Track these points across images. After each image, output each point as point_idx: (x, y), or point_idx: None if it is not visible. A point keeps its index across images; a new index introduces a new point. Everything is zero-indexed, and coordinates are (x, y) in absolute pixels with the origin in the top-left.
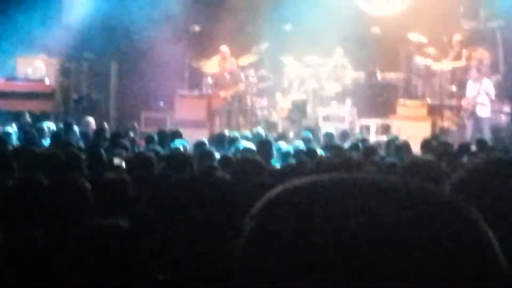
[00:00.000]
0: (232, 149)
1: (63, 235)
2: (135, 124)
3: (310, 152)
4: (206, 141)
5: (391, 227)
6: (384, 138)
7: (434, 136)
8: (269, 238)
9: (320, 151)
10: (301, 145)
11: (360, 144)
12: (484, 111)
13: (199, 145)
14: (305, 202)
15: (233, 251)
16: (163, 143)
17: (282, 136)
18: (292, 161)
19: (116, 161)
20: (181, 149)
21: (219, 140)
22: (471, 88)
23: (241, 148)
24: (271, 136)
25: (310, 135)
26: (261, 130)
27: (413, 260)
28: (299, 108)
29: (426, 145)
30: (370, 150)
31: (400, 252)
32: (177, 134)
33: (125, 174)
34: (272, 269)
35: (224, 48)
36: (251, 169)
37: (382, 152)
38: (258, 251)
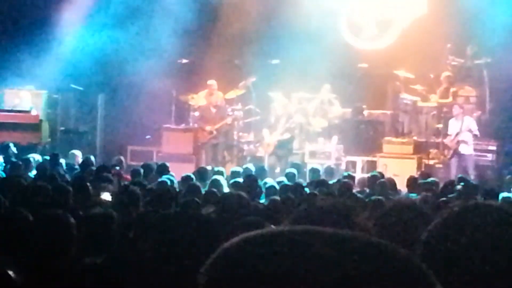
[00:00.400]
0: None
1: (44, 271)
2: (122, 158)
3: (297, 188)
4: (192, 175)
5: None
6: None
7: (423, 175)
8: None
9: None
10: (286, 181)
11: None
12: (467, 149)
13: (186, 179)
14: (252, 256)
15: None
16: (149, 177)
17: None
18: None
19: (104, 196)
20: (168, 183)
21: (201, 174)
22: (453, 126)
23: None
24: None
25: (295, 171)
26: (250, 166)
27: None
28: (285, 146)
29: (411, 183)
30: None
31: None
32: (163, 168)
33: (111, 210)
34: None
35: (212, 82)
36: (236, 204)
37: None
38: None
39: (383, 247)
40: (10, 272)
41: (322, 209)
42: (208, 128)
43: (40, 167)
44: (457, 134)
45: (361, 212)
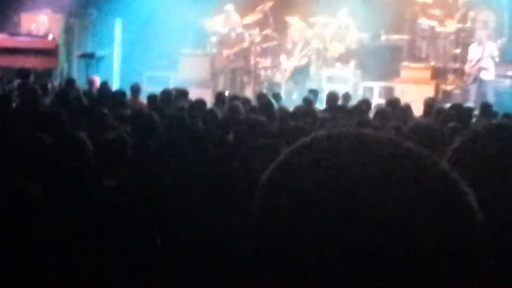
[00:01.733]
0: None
1: (63, 194)
2: (139, 83)
3: (311, 113)
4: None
5: (397, 188)
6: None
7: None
8: (280, 204)
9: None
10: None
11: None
12: (488, 75)
13: (199, 104)
14: (315, 160)
15: (234, 215)
16: (167, 103)
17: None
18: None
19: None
20: (186, 108)
21: (219, 99)
22: (475, 51)
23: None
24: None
25: (312, 97)
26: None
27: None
28: (302, 72)
29: (429, 105)
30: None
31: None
32: (182, 93)
33: (125, 134)
34: (286, 236)
35: (229, 7)
36: (254, 128)
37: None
38: (270, 217)
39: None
40: (33, 190)
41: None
42: (226, 52)
43: (57, 92)
44: (478, 60)
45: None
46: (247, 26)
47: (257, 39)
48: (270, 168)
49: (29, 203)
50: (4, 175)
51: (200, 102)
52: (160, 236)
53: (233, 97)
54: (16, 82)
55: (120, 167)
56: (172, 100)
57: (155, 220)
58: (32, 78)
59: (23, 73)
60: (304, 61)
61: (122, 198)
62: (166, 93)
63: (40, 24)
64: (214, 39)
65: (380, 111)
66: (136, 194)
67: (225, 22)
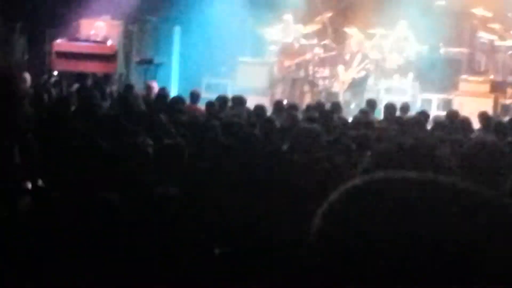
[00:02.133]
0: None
1: (125, 198)
2: (197, 90)
3: (369, 125)
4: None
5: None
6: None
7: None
8: (334, 239)
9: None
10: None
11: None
12: None
13: (259, 110)
14: (369, 203)
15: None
16: (224, 109)
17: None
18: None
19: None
20: (244, 115)
21: (278, 108)
22: None
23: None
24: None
25: (369, 109)
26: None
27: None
28: (360, 85)
29: (485, 120)
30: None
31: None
32: (240, 101)
33: (182, 141)
34: (337, 268)
35: (287, 16)
36: (310, 139)
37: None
38: (324, 250)
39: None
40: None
41: (402, 147)
42: (288, 62)
43: (115, 97)
44: None
45: (443, 150)
46: (306, 36)
47: (317, 49)
48: (331, 199)
49: (115, 212)
50: (65, 179)
51: (260, 109)
52: (219, 245)
53: (292, 106)
54: (75, 87)
55: (177, 173)
56: (229, 107)
57: (212, 227)
58: (90, 83)
59: (82, 77)
60: (362, 73)
61: (181, 206)
62: (223, 100)
63: (99, 29)
64: (272, 48)
65: (439, 124)
66: (193, 201)
67: (284, 31)
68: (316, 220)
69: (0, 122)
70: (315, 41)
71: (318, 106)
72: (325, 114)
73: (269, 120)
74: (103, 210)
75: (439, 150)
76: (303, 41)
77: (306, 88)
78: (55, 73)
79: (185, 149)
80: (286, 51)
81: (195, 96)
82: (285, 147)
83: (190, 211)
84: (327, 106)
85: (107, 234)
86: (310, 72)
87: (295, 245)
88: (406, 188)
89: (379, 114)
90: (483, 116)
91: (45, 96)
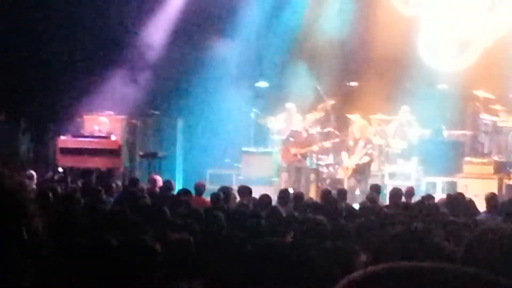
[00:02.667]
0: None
1: None
2: (202, 182)
3: (376, 210)
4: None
5: None
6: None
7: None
8: None
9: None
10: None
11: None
12: None
13: (264, 200)
14: None
15: None
16: (228, 201)
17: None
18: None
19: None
20: (250, 206)
21: (284, 197)
22: None
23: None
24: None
25: (375, 194)
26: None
27: None
28: (363, 171)
29: (492, 201)
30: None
31: None
32: (245, 191)
33: (186, 235)
34: None
35: (290, 105)
36: (315, 229)
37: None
38: None
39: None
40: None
41: (398, 236)
42: (293, 150)
43: (121, 192)
44: None
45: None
46: (308, 124)
47: (325, 143)
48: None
49: None
50: (72, 277)
51: (265, 198)
52: None
53: (298, 196)
54: (80, 182)
55: (186, 268)
56: (233, 198)
57: None
58: (95, 178)
59: (86, 173)
60: (365, 159)
61: None
62: (227, 191)
63: (102, 125)
64: (275, 137)
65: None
66: None
67: (287, 120)
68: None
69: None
70: (318, 129)
71: (324, 194)
72: (331, 202)
73: (274, 210)
74: None
75: (434, 235)
76: (312, 131)
77: (312, 176)
78: (60, 169)
79: (192, 243)
80: (295, 139)
81: (200, 188)
82: (289, 238)
83: None
84: (333, 193)
85: None
86: (314, 160)
87: None
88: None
89: (385, 199)
90: (487, 198)
91: (50, 194)
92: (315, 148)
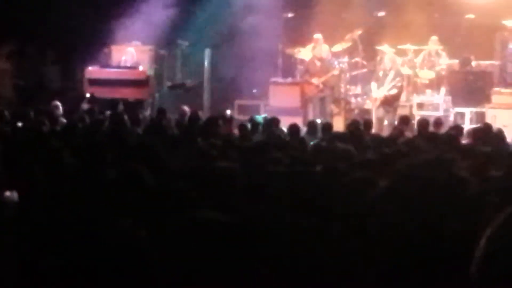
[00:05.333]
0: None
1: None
2: (229, 112)
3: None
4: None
5: None
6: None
7: None
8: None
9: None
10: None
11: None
12: None
13: (293, 130)
14: None
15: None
16: (256, 131)
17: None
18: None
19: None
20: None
21: (312, 128)
22: None
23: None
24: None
25: (403, 125)
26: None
27: None
28: (393, 102)
29: None
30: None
31: None
32: (274, 122)
33: (236, 164)
34: None
35: (318, 36)
36: (342, 158)
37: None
38: (492, 274)
39: None
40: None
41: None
42: (314, 81)
43: (148, 122)
44: None
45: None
46: (336, 55)
47: (347, 66)
48: (496, 223)
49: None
50: (103, 211)
51: (293, 127)
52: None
53: (326, 125)
54: (107, 113)
55: (230, 196)
56: (260, 128)
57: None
58: (121, 109)
59: (113, 103)
60: (394, 91)
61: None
62: (254, 122)
63: (129, 55)
64: (301, 68)
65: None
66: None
67: (314, 50)
68: (482, 245)
69: None
70: (346, 59)
71: (353, 123)
72: (359, 132)
73: (302, 141)
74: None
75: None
76: (328, 59)
77: (334, 106)
78: (87, 95)
79: (237, 172)
80: (310, 70)
81: (227, 118)
82: (318, 168)
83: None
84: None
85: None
86: (342, 90)
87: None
88: None
89: (413, 129)
90: None
91: (79, 124)
92: (335, 72)
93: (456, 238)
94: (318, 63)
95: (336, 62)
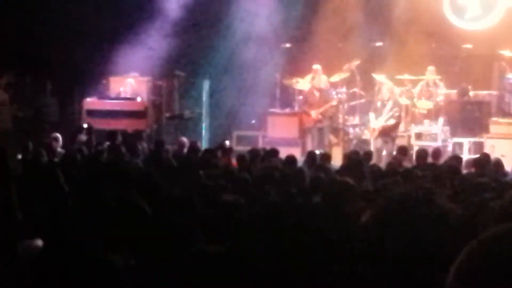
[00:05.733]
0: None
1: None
2: (227, 143)
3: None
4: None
5: None
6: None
7: None
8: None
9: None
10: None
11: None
12: None
13: (290, 161)
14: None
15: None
16: (255, 162)
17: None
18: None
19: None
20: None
21: (309, 158)
22: None
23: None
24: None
25: (401, 156)
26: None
27: None
28: (391, 132)
29: None
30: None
31: None
32: (272, 153)
33: (241, 199)
34: None
35: (316, 66)
36: (342, 191)
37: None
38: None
39: None
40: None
41: (402, 197)
42: (313, 113)
43: (147, 153)
44: None
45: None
46: (334, 85)
47: (345, 97)
48: (481, 239)
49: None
50: (95, 241)
51: (290, 159)
52: None
53: (324, 157)
54: (106, 145)
55: (232, 230)
56: (259, 159)
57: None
58: (119, 140)
59: (111, 135)
60: (392, 121)
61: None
62: (254, 152)
63: (128, 86)
64: (300, 98)
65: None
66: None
67: (313, 81)
68: (463, 260)
69: None
70: (344, 89)
71: (352, 154)
72: (357, 163)
73: (300, 171)
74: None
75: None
76: (326, 90)
77: (333, 136)
78: (85, 125)
79: (243, 206)
80: (309, 101)
81: (225, 149)
82: (317, 199)
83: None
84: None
85: None
86: (340, 120)
87: None
88: None
89: (411, 160)
90: None
91: (78, 156)
92: (334, 102)
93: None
94: (317, 94)
95: (334, 93)
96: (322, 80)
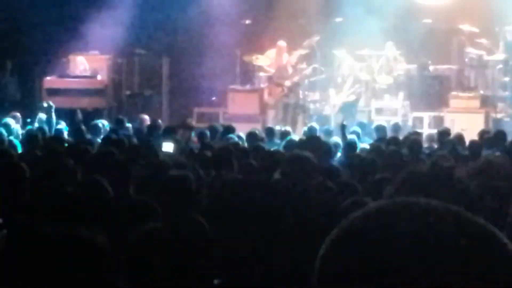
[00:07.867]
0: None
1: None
2: (188, 120)
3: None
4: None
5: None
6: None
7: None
8: (341, 269)
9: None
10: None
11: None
12: None
13: (252, 136)
14: (375, 232)
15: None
16: (215, 139)
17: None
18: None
19: (166, 147)
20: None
21: (269, 134)
22: None
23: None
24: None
25: (359, 130)
26: (315, 125)
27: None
28: (350, 108)
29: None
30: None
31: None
32: (230, 129)
33: (189, 172)
34: None
35: (282, 43)
36: (301, 166)
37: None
38: (331, 279)
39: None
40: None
41: (424, 175)
42: (279, 87)
43: (107, 132)
44: None
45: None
46: (295, 61)
47: (306, 73)
48: (332, 235)
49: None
50: (64, 221)
51: (252, 135)
52: (217, 276)
53: (285, 132)
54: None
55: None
56: (219, 136)
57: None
58: (79, 118)
59: (71, 113)
60: (352, 98)
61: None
62: (213, 129)
63: (88, 64)
64: (262, 74)
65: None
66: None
67: (275, 57)
68: (325, 248)
69: None
70: (304, 65)
71: (308, 130)
72: (316, 139)
73: (260, 147)
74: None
75: (457, 172)
76: (290, 65)
77: (298, 112)
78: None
79: (191, 180)
80: (282, 75)
81: (186, 127)
82: (276, 175)
83: (190, 242)
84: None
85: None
86: (301, 96)
87: (292, 277)
88: (415, 216)
89: (371, 135)
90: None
91: (39, 135)
92: (296, 79)
93: None
94: (290, 70)
95: (296, 69)
96: (284, 57)
